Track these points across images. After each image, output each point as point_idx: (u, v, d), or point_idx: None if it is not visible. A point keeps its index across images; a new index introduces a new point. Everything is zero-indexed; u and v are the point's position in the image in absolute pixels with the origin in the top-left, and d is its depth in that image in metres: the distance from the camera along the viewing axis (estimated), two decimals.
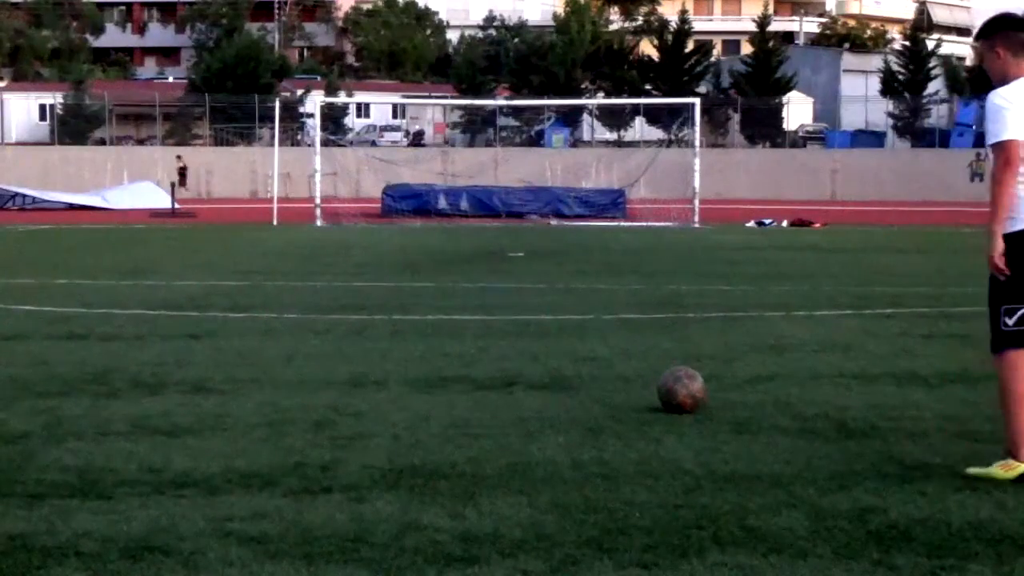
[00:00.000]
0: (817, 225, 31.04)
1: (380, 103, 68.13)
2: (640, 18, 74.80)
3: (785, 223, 31.77)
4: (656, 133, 54.54)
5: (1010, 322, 5.66)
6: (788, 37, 76.03)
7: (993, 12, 6.28)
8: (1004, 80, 5.72)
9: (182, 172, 49.67)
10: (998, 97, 5.67)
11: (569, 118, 60.66)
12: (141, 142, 60.32)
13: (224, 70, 61.36)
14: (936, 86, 62.06)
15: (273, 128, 38.44)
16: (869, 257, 20.64)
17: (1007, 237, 5.63)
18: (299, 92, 60.91)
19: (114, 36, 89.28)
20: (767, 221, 31.85)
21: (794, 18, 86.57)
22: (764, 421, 7.03)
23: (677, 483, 5.69)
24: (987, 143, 5.76)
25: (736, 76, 62.14)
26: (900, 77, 61.43)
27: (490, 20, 78.23)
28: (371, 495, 5.48)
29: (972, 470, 5.80)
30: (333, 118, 56.22)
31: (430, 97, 67.46)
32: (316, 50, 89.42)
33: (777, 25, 73.28)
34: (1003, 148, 5.60)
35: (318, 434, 6.70)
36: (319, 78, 70.13)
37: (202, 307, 12.81)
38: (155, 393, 7.91)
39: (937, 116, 61.72)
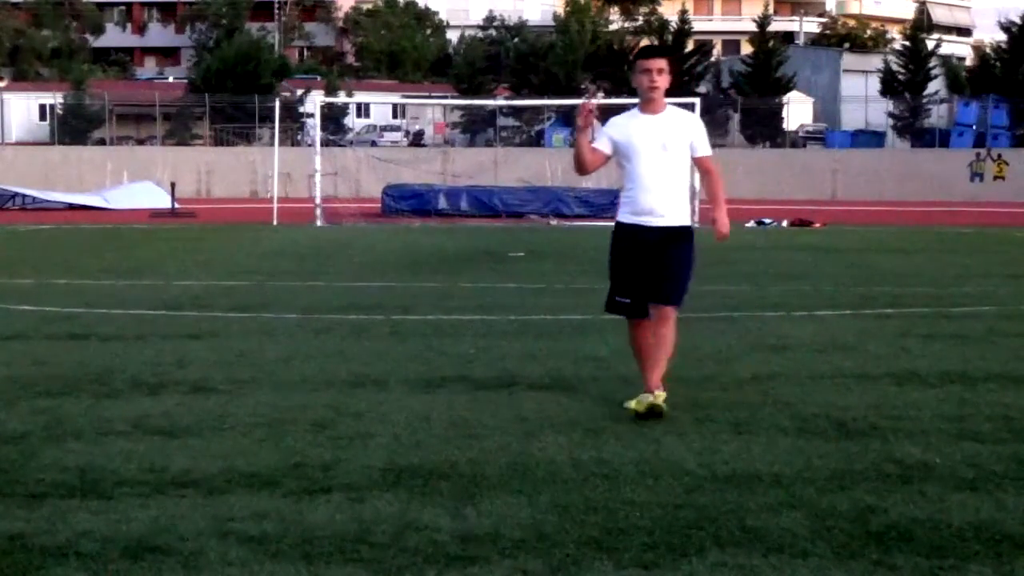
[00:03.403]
0: (817, 225, 31.01)
1: (380, 103, 68.11)
2: (640, 18, 74.77)
3: (785, 223, 31.73)
4: None
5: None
6: (788, 37, 75.98)
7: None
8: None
9: None
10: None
11: (569, 118, 60.60)
12: (141, 142, 60.28)
13: (224, 70, 61.29)
14: (936, 86, 62.00)
15: (273, 128, 38.42)
16: (869, 257, 20.62)
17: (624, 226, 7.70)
18: (299, 92, 60.84)
19: (114, 36, 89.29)
20: (767, 221, 31.80)
21: (794, 18, 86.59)
22: (764, 421, 7.03)
23: (677, 483, 5.69)
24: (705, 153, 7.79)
25: (736, 76, 62.15)
26: (900, 77, 61.37)
27: (490, 20, 78.24)
28: (371, 495, 5.48)
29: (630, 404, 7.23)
30: (333, 118, 56.19)
31: (430, 97, 67.43)
32: (316, 50, 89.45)
33: (777, 25, 73.23)
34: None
35: (318, 434, 6.69)
36: (319, 78, 70.12)
37: (202, 307, 12.80)
38: (155, 393, 7.91)
39: (937, 116, 61.63)
